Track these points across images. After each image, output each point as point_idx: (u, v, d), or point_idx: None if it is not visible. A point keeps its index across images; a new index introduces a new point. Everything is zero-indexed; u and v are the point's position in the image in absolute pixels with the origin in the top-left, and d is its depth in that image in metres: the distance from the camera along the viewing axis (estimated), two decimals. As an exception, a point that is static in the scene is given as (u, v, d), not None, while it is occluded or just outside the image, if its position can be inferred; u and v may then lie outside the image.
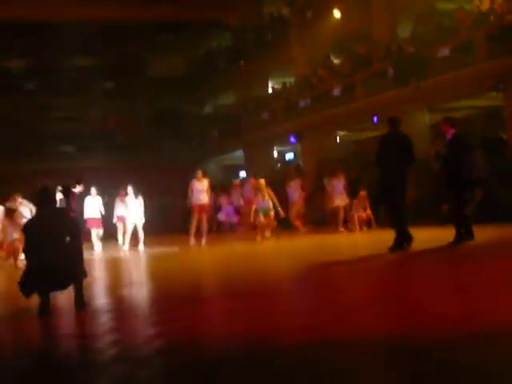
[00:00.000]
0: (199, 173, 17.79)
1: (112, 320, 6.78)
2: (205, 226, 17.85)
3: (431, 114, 21.93)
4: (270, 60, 30.08)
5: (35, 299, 7.14)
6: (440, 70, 19.27)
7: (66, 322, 7.00)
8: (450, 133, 11.04)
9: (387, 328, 5.09)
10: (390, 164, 10.68)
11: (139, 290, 9.17)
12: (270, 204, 17.93)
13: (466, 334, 4.69)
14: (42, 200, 7.63)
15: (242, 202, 22.26)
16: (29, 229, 7.47)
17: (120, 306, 7.86)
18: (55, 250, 7.19)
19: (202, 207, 17.56)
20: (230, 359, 4.60)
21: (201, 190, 17.51)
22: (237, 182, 23.44)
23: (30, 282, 7.14)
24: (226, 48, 36.00)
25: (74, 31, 32.13)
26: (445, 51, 19.45)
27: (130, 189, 17.98)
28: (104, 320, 6.77)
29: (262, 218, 17.85)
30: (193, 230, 17.71)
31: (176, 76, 36.51)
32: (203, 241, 17.59)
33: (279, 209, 18.17)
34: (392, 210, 11.08)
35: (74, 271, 7.30)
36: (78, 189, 16.32)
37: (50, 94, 34.15)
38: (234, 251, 16.05)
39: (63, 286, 7.34)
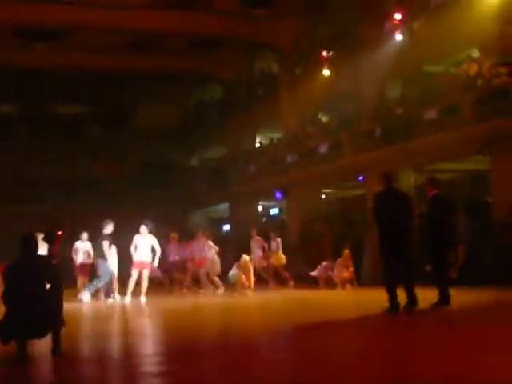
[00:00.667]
0: (143, 227, 17.14)
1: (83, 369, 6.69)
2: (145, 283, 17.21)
3: (417, 175, 22.05)
4: (259, 114, 30.30)
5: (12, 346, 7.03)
6: (427, 132, 19.44)
7: (42, 370, 6.89)
8: (432, 193, 11.15)
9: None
10: (392, 220, 10.58)
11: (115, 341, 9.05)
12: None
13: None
14: (24, 247, 7.56)
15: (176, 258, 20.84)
16: (9, 274, 7.39)
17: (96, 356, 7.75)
18: (34, 297, 7.11)
19: (142, 264, 17.04)
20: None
21: (144, 246, 17.03)
22: (173, 235, 20.95)
23: (8, 328, 7.03)
24: (217, 101, 36.26)
25: (65, 78, 32.35)
26: (432, 113, 19.64)
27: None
28: (78, 369, 6.68)
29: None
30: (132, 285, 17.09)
31: (166, 126, 36.59)
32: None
33: None
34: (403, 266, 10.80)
35: (52, 319, 7.20)
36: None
37: (40, 138, 34.17)
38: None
39: (41, 334, 7.23)
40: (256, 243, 20.76)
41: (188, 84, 36.08)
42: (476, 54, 20.08)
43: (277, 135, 30.33)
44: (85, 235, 17.96)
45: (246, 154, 31.74)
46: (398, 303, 10.37)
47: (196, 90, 37.71)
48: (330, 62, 25.47)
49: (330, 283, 19.07)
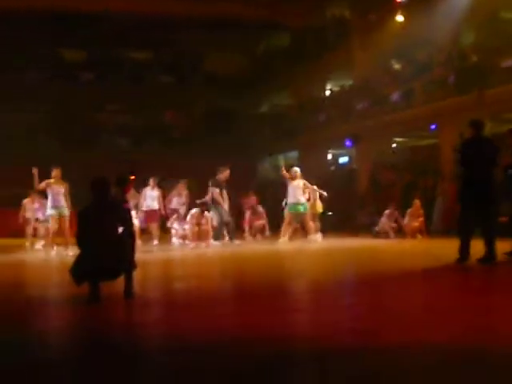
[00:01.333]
0: (151, 180, 17.88)
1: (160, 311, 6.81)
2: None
3: (493, 124, 21.55)
4: (329, 62, 29.92)
5: (86, 287, 7.18)
6: (503, 80, 18.95)
7: (115, 310, 7.03)
8: None
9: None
10: (480, 167, 10.33)
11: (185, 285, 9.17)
12: None
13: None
14: (97, 190, 7.69)
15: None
16: (82, 217, 7.53)
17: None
18: (107, 239, 7.24)
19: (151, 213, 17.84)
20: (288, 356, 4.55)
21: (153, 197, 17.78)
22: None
23: (81, 269, 7.19)
24: (285, 48, 35.91)
25: (132, 24, 32.35)
26: (509, 61, 19.12)
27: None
28: (153, 311, 6.81)
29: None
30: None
31: (234, 73, 36.49)
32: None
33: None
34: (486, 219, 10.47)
35: (124, 262, 7.34)
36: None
37: (106, 85, 34.39)
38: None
39: (114, 276, 7.38)
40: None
41: (256, 31, 35.74)
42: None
43: (347, 83, 29.95)
44: (151, 182, 17.96)
45: (316, 102, 31.50)
46: (468, 253, 10.14)
47: (264, 37, 37.39)
48: (403, 8, 24.97)
49: (397, 233, 19.01)
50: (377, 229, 19.43)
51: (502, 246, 10.48)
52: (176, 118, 37.15)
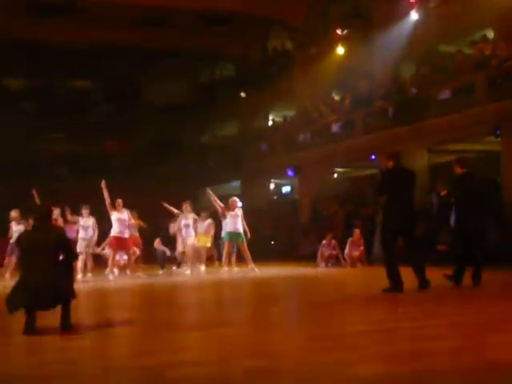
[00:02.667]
0: (119, 201, 16.79)
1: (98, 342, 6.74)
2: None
3: (430, 155, 22.00)
4: (271, 92, 30.21)
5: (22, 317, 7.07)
6: (440, 112, 19.40)
7: (48, 341, 6.93)
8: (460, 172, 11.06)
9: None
10: (406, 199, 10.47)
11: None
12: None
13: None
14: (40, 216, 7.62)
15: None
16: (22, 243, 7.45)
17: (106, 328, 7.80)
18: (45, 267, 7.14)
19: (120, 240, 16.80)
20: None
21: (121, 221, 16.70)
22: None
23: (16, 298, 7.08)
24: (228, 78, 36.16)
25: (74, 53, 32.26)
26: (446, 93, 19.58)
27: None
28: (90, 342, 6.73)
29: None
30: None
31: (177, 103, 36.53)
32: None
33: None
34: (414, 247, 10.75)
35: (62, 292, 7.24)
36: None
37: (47, 114, 34.13)
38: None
39: (50, 306, 7.26)
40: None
41: (199, 61, 35.94)
42: (491, 34, 19.98)
43: (289, 113, 30.26)
44: (85, 211, 17.54)
45: (259, 132, 31.73)
46: (401, 282, 10.12)
47: (207, 67, 37.65)
48: (343, 40, 25.42)
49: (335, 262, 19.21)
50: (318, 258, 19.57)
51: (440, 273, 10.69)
52: (116, 148, 37.03)
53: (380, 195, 10.98)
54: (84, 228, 17.07)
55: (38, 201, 16.14)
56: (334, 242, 19.49)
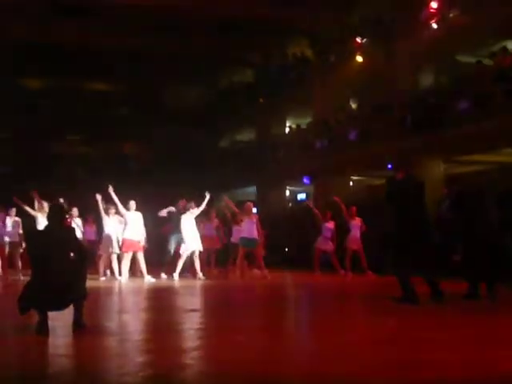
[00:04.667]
0: (131, 203, 16.63)
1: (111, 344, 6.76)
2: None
3: (446, 166, 21.93)
4: (289, 99, 30.21)
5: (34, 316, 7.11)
6: (458, 122, 19.31)
7: (63, 342, 6.96)
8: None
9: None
10: (416, 210, 10.35)
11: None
12: None
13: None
14: (53, 215, 7.66)
15: None
16: (34, 242, 7.48)
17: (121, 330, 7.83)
18: (57, 267, 7.15)
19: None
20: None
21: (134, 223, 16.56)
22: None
23: (30, 299, 7.11)
24: (247, 84, 36.21)
25: (93, 55, 32.40)
26: (464, 104, 19.51)
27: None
28: (102, 343, 6.75)
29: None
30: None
31: (195, 107, 36.66)
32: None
33: None
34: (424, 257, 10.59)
35: (74, 291, 7.26)
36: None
37: (65, 115, 34.35)
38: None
39: (62, 306, 7.29)
40: None
41: (218, 66, 36.04)
42: (510, 45, 19.89)
43: (306, 121, 30.24)
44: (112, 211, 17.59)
45: (276, 138, 31.73)
46: (415, 293, 9.99)
47: (227, 72, 37.72)
48: (363, 49, 25.40)
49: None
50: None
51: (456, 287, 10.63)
52: (135, 150, 37.18)
53: (389, 206, 10.90)
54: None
55: (39, 202, 16.25)
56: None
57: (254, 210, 17.84)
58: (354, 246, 18.55)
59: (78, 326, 7.20)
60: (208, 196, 17.66)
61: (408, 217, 10.28)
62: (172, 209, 17.93)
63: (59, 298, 7.14)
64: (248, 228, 17.22)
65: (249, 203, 18.05)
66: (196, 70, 35.23)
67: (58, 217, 7.65)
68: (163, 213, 18.04)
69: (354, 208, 18.87)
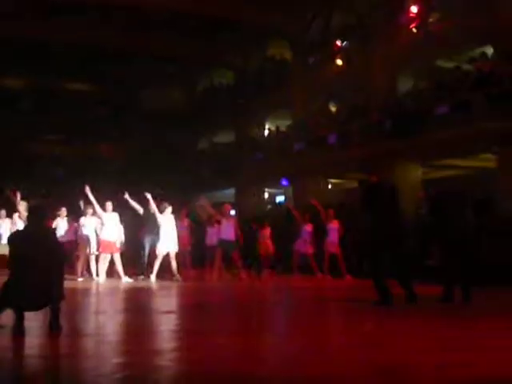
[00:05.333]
0: (108, 204, 16.44)
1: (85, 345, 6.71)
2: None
3: (425, 170, 22.03)
4: (268, 101, 30.22)
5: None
6: (437, 127, 19.38)
7: (39, 342, 6.89)
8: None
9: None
10: (389, 213, 10.37)
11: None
12: None
13: None
14: (32, 215, 7.59)
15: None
16: (11, 241, 7.40)
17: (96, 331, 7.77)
18: (35, 268, 7.08)
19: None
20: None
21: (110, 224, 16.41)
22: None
23: (7, 299, 7.03)
24: (226, 86, 36.18)
25: (73, 55, 32.26)
26: (443, 109, 19.58)
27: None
28: (79, 345, 6.69)
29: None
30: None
31: (173, 109, 36.59)
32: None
33: None
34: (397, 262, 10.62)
35: (53, 292, 7.19)
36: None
37: (44, 115, 34.15)
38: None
39: (41, 306, 7.21)
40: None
41: (197, 68, 36.00)
42: (490, 51, 20.01)
43: (286, 122, 30.24)
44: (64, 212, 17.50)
45: (254, 141, 31.71)
46: (391, 295, 10.07)
47: (206, 74, 37.70)
48: (342, 52, 25.43)
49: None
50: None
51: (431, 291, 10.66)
52: (111, 151, 37.03)
53: (363, 210, 10.92)
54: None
55: (17, 201, 16.09)
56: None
57: (232, 212, 17.74)
58: (331, 249, 18.56)
59: (55, 327, 7.12)
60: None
61: (382, 221, 10.31)
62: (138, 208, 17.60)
63: (36, 298, 7.07)
64: (226, 230, 17.19)
65: (227, 205, 18.01)
66: (175, 71, 35.21)
67: (37, 217, 7.58)
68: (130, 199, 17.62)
69: (332, 211, 18.88)
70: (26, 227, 7.64)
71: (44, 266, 7.16)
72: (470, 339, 7.06)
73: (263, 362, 5.86)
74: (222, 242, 17.21)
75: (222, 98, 35.28)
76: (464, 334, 7.41)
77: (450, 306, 10.42)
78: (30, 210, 7.79)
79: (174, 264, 16.92)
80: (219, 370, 5.33)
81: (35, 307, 7.21)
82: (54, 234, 7.79)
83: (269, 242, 19.84)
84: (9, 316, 7.08)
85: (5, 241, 15.68)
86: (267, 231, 19.91)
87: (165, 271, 17.38)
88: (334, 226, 18.62)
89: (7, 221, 17.56)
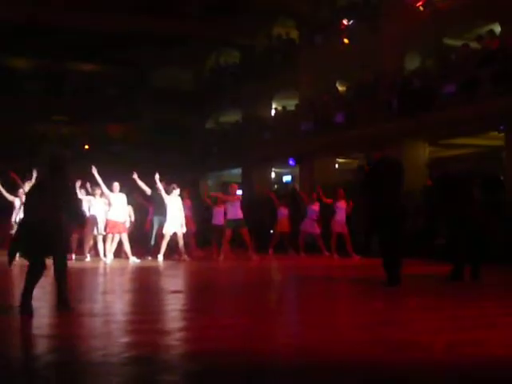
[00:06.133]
0: (115, 185, 16.53)
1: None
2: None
3: (432, 149, 21.96)
4: (275, 81, 30.10)
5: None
6: (444, 106, 19.30)
7: (47, 322, 6.93)
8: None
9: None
10: (392, 190, 10.29)
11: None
12: None
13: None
14: (48, 164, 7.57)
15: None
16: (29, 189, 7.45)
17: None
18: (44, 214, 7.07)
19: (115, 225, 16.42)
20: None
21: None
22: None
23: (17, 245, 7.08)
24: (233, 66, 36.08)
25: (80, 36, 32.18)
26: (450, 87, 19.49)
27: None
28: (87, 324, 6.74)
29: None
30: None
31: (181, 89, 36.59)
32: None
33: None
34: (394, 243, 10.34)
35: (60, 240, 7.18)
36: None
37: (52, 96, 34.19)
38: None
39: (49, 251, 7.16)
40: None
41: (204, 48, 35.90)
42: (498, 28, 19.87)
43: (292, 102, 30.16)
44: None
45: (261, 120, 31.63)
46: (398, 275, 10.00)
47: (212, 54, 37.62)
48: (349, 31, 25.30)
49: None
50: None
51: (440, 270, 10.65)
52: (120, 132, 37.05)
53: (364, 188, 10.84)
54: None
55: (19, 183, 16.19)
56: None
57: (239, 192, 17.79)
58: (338, 229, 18.56)
59: (64, 305, 7.15)
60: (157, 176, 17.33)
61: (383, 198, 10.21)
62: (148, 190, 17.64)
63: (43, 245, 7.05)
64: (233, 210, 17.26)
65: (233, 185, 18.04)
66: (183, 51, 35.12)
67: (51, 165, 7.56)
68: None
69: (341, 190, 18.87)
70: (43, 176, 7.66)
71: (51, 214, 7.13)
72: (480, 317, 7.08)
73: (271, 339, 5.90)
74: (230, 222, 17.30)
75: (228, 78, 35.19)
76: (474, 313, 7.43)
77: (460, 284, 10.43)
78: (49, 159, 7.73)
79: (181, 244, 16.99)
80: (226, 350, 5.37)
81: (43, 254, 7.15)
82: (71, 188, 7.69)
83: (286, 220, 19.98)
84: (16, 296, 7.13)
85: None
86: (285, 210, 20.06)
87: (172, 251, 17.46)
88: (341, 205, 18.61)
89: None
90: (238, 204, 17.32)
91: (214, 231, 18.65)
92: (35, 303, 7.08)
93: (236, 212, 17.23)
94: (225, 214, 17.96)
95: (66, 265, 7.31)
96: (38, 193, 7.33)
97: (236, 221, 17.20)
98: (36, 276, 7.00)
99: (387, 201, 10.21)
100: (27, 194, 7.65)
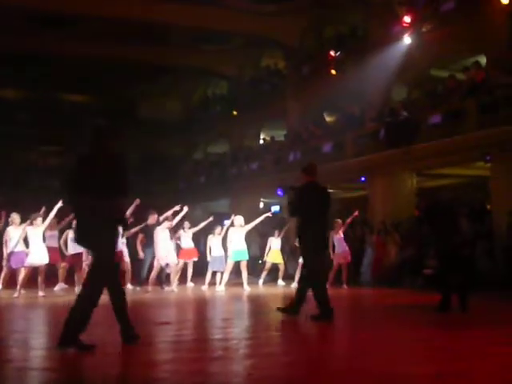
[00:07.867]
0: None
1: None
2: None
3: (419, 179, 22.07)
4: (263, 112, 30.25)
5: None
6: (431, 136, 19.44)
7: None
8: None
9: None
10: (320, 220, 10.07)
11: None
12: None
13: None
14: (92, 138, 7.49)
15: None
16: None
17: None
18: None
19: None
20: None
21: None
22: None
23: None
24: (221, 96, 36.27)
25: (70, 67, 32.30)
26: (437, 118, 19.65)
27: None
28: (76, 356, 6.71)
29: None
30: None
31: (169, 119, 36.70)
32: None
33: None
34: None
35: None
36: None
37: (41, 126, 34.22)
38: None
39: None
40: None
41: (192, 78, 36.07)
42: (483, 60, 20.10)
43: (281, 133, 30.29)
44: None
45: (249, 151, 31.73)
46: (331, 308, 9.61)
47: (200, 84, 37.78)
48: (337, 62, 25.49)
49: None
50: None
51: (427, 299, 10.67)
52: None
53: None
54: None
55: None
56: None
57: (228, 222, 17.99)
58: (341, 260, 18.61)
59: (129, 339, 7.08)
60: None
61: (312, 228, 9.96)
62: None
63: None
64: (238, 240, 17.68)
65: (237, 216, 18.27)
66: (171, 81, 35.28)
67: (96, 139, 7.37)
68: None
69: (340, 221, 18.89)
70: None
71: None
72: (466, 349, 7.09)
73: (263, 371, 5.88)
74: (236, 253, 17.57)
75: (216, 108, 35.37)
76: (460, 344, 7.45)
77: (447, 315, 10.45)
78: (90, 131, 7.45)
79: (173, 275, 17.03)
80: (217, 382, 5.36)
81: None
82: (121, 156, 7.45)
83: (278, 251, 20.33)
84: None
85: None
86: (278, 240, 20.10)
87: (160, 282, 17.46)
88: (340, 236, 18.67)
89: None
90: (242, 235, 17.73)
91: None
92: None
93: (241, 243, 17.60)
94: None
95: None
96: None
97: (241, 252, 17.51)
98: None
99: (316, 233, 9.95)
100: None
